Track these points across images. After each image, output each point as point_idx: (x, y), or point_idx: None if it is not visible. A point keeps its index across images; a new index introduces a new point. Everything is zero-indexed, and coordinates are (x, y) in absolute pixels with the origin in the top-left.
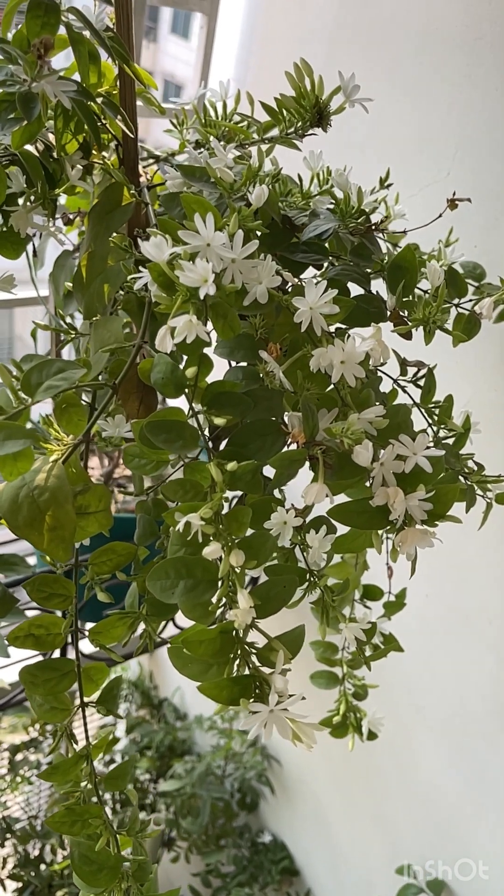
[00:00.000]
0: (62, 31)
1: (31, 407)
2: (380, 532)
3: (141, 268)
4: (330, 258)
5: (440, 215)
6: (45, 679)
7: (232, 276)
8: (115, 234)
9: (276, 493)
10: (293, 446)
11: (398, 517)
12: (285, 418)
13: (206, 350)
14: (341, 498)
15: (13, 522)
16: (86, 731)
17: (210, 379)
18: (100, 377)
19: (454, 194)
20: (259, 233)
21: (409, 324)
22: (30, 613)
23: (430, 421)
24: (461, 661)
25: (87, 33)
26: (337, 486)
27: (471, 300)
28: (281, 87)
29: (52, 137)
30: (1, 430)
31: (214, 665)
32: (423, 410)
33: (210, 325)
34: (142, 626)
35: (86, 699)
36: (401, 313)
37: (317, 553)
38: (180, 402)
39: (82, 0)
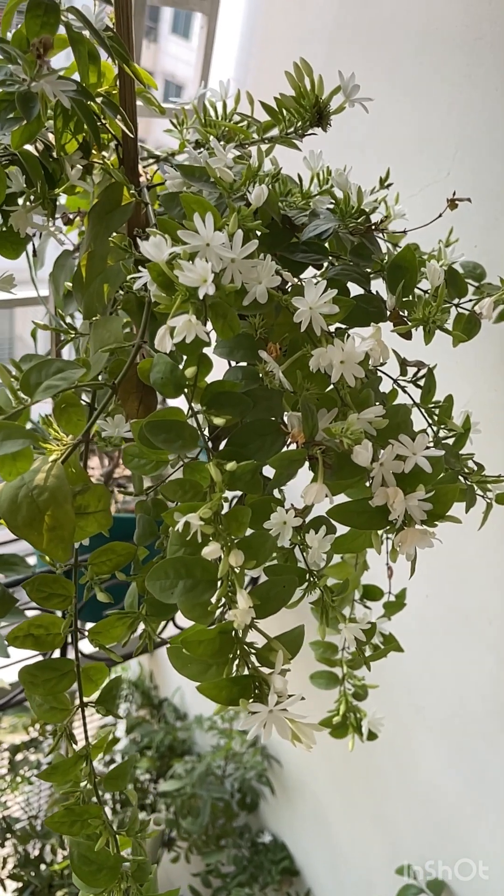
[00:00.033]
0: (62, 30)
1: (32, 407)
2: (379, 532)
3: (140, 267)
4: (330, 258)
5: (440, 215)
6: (45, 679)
7: (231, 276)
8: (114, 234)
9: (276, 493)
10: (293, 446)
11: (398, 517)
12: (285, 418)
13: (205, 350)
14: (341, 498)
15: (12, 522)
16: (85, 731)
17: (210, 379)
18: (99, 377)
19: (454, 194)
20: (259, 232)
21: (409, 324)
22: (30, 613)
23: (430, 421)
24: (461, 661)
25: (86, 33)
26: (336, 487)
27: (471, 300)
28: (281, 87)
29: (51, 137)
30: (0, 429)
31: (214, 665)
32: (423, 410)
33: (209, 325)
34: (141, 627)
35: (85, 699)
36: (400, 313)
37: (316, 553)
38: (180, 402)
39: (82, 0)
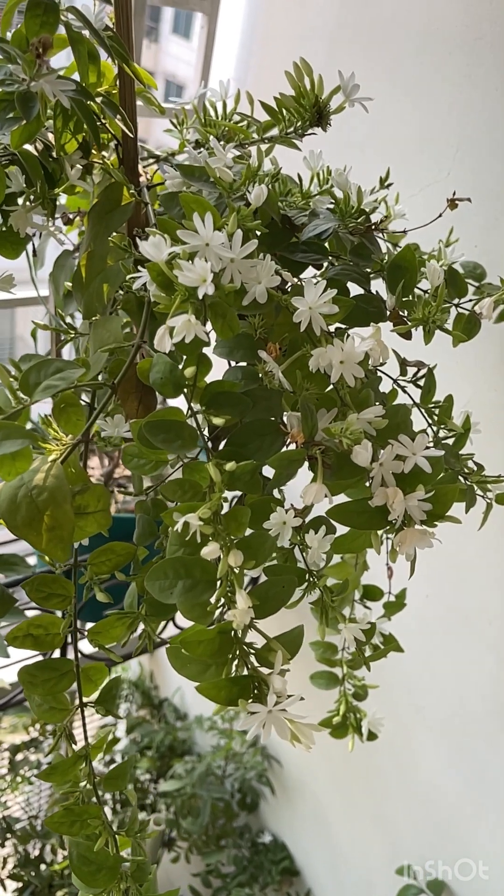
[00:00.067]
0: (62, 30)
1: (32, 407)
2: (379, 532)
3: (140, 267)
4: (329, 258)
5: (440, 215)
6: (44, 679)
7: (231, 276)
8: (114, 234)
9: (276, 493)
10: (292, 446)
11: (397, 517)
12: (284, 418)
13: (205, 350)
14: (341, 498)
15: (11, 522)
16: (84, 731)
17: (209, 379)
18: (99, 377)
19: (454, 194)
20: (258, 232)
21: (409, 324)
22: (29, 613)
23: (430, 421)
24: (461, 661)
25: (86, 33)
26: (336, 487)
27: (471, 300)
28: (282, 86)
29: (51, 137)
30: None
31: (213, 665)
32: (422, 410)
33: (209, 325)
34: (141, 627)
35: (85, 699)
36: (400, 313)
37: (316, 553)
38: (179, 402)
39: (82, 0)
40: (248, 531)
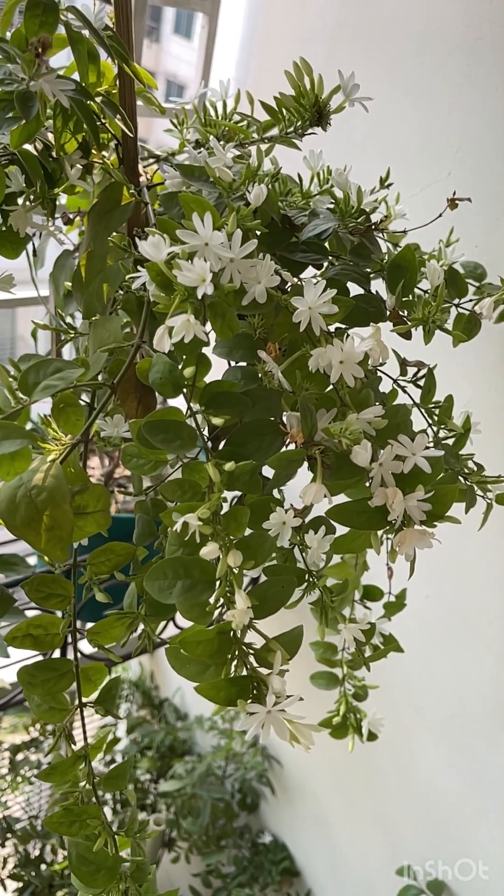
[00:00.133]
0: (61, 30)
1: (32, 407)
2: (379, 533)
3: (139, 267)
4: (329, 258)
5: (440, 215)
6: (44, 679)
7: (230, 276)
8: (114, 234)
9: (275, 493)
10: (291, 446)
11: (397, 518)
12: (284, 418)
13: (204, 350)
14: (341, 498)
15: (11, 522)
16: (84, 731)
17: (208, 379)
18: (99, 377)
19: (454, 194)
20: (258, 232)
21: (409, 324)
22: (30, 613)
23: (430, 421)
24: (461, 661)
25: (86, 32)
26: (336, 487)
27: (471, 300)
28: (282, 86)
29: (51, 137)
30: None
31: (212, 665)
32: (423, 411)
33: (208, 325)
34: (141, 627)
35: (84, 699)
36: (400, 313)
37: (315, 553)
38: (179, 402)
39: (82, 0)
40: (248, 531)
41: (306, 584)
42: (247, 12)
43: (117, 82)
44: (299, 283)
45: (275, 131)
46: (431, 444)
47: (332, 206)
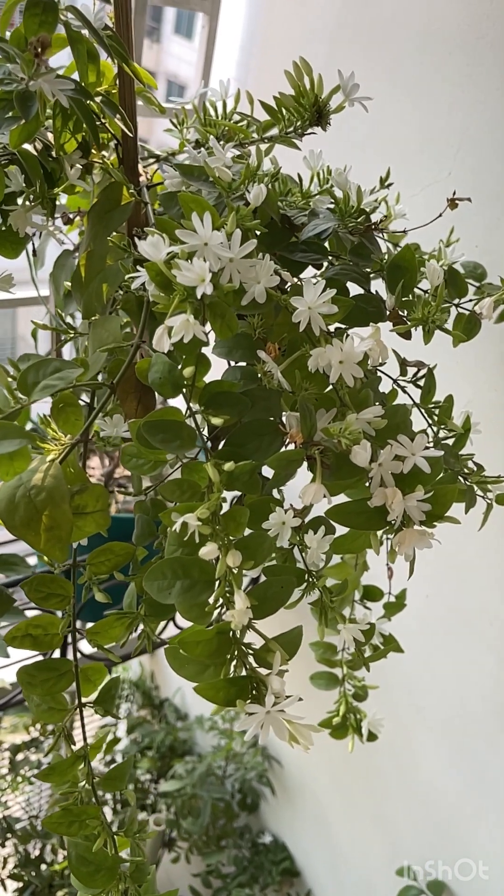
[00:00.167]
0: (61, 29)
1: (33, 407)
2: (379, 533)
3: (139, 267)
4: (329, 258)
5: (440, 215)
6: (43, 679)
7: (230, 276)
8: (114, 234)
9: (275, 493)
10: (291, 446)
11: (396, 518)
12: (283, 418)
13: (204, 349)
14: (341, 498)
15: (10, 522)
16: (83, 731)
17: (208, 379)
18: (98, 377)
19: (454, 194)
20: (258, 232)
21: (409, 323)
22: (30, 613)
23: (430, 421)
24: (461, 661)
25: (85, 32)
26: (336, 487)
27: (472, 300)
28: (283, 86)
29: (51, 136)
30: None
31: (211, 666)
32: (422, 411)
33: (208, 325)
34: (141, 627)
35: (83, 699)
36: (400, 313)
37: (315, 554)
38: (178, 402)
39: (82, 0)
40: (248, 531)
41: (306, 585)
42: (247, 12)
43: (117, 82)
44: (299, 282)
45: (275, 131)
46: (431, 445)
47: (331, 205)
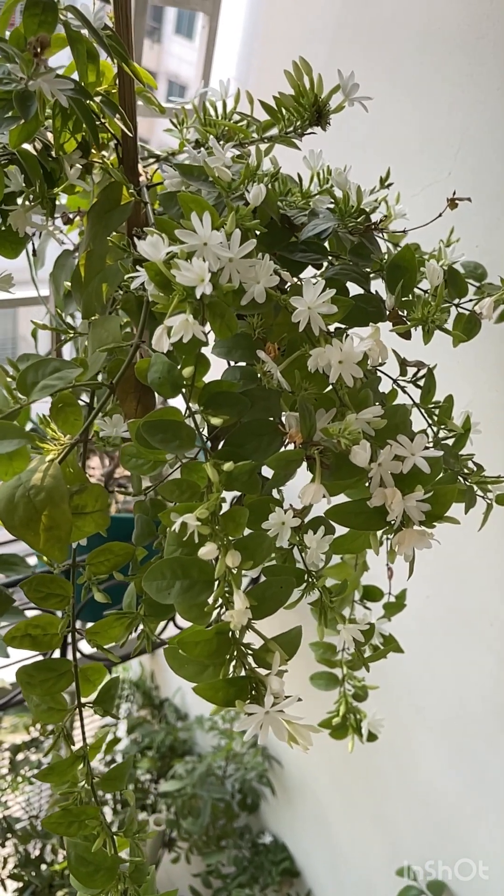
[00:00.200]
0: (61, 29)
1: (32, 407)
2: (378, 533)
3: (139, 267)
4: (329, 258)
5: (440, 215)
6: (42, 679)
7: (229, 276)
8: (113, 234)
9: (275, 493)
10: (290, 446)
11: (395, 518)
12: (283, 418)
13: (203, 349)
14: (341, 498)
15: (9, 522)
16: (83, 731)
17: (207, 378)
18: (98, 377)
19: (454, 194)
20: (257, 232)
21: (408, 323)
22: (30, 614)
23: (430, 421)
24: (461, 662)
25: (85, 32)
26: (335, 487)
27: (472, 300)
28: (283, 86)
29: (50, 136)
30: None
31: (210, 666)
32: (422, 411)
33: (208, 325)
34: (141, 627)
35: (83, 700)
36: (400, 313)
37: (315, 554)
38: (178, 402)
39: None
40: (247, 531)
41: (305, 585)
42: (248, 12)
43: (117, 82)
44: (298, 282)
45: (274, 131)
46: (431, 445)
47: (331, 205)
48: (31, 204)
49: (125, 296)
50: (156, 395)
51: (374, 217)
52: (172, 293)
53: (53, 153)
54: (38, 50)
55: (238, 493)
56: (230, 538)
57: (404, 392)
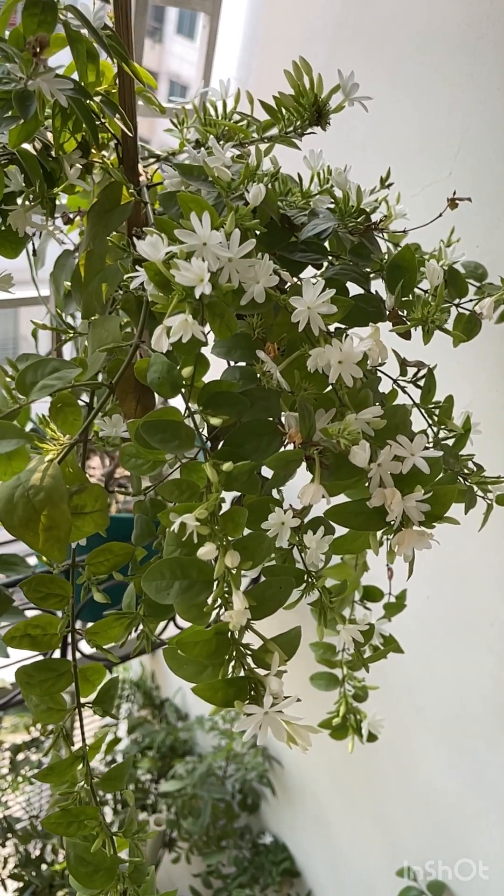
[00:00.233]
0: (60, 29)
1: (32, 407)
2: (378, 533)
3: (138, 267)
4: (329, 258)
5: (440, 215)
6: (42, 679)
7: (229, 276)
8: (113, 234)
9: (275, 493)
10: (290, 447)
11: (395, 518)
12: (282, 418)
13: (203, 349)
14: (341, 499)
15: (8, 522)
16: (82, 731)
17: (207, 378)
18: (99, 377)
19: (454, 194)
20: (257, 232)
21: (408, 323)
22: (31, 614)
23: (430, 421)
24: (461, 662)
25: (84, 32)
26: (335, 487)
27: (472, 300)
28: (284, 86)
29: (50, 136)
30: None
31: (209, 666)
32: (422, 411)
33: (207, 325)
34: (140, 627)
35: (82, 700)
36: (400, 313)
37: (314, 554)
38: (177, 402)
39: None
40: (247, 531)
41: (305, 585)
42: (248, 12)
43: (117, 81)
44: (298, 282)
45: (274, 131)
46: (431, 445)
47: (331, 205)
48: (31, 204)
49: (125, 296)
50: (155, 395)
51: (375, 217)
52: (172, 293)
53: (53, 153)
54: (38, 49)
55: (238, 494)
56: (229, 538)
57: (404, 392)
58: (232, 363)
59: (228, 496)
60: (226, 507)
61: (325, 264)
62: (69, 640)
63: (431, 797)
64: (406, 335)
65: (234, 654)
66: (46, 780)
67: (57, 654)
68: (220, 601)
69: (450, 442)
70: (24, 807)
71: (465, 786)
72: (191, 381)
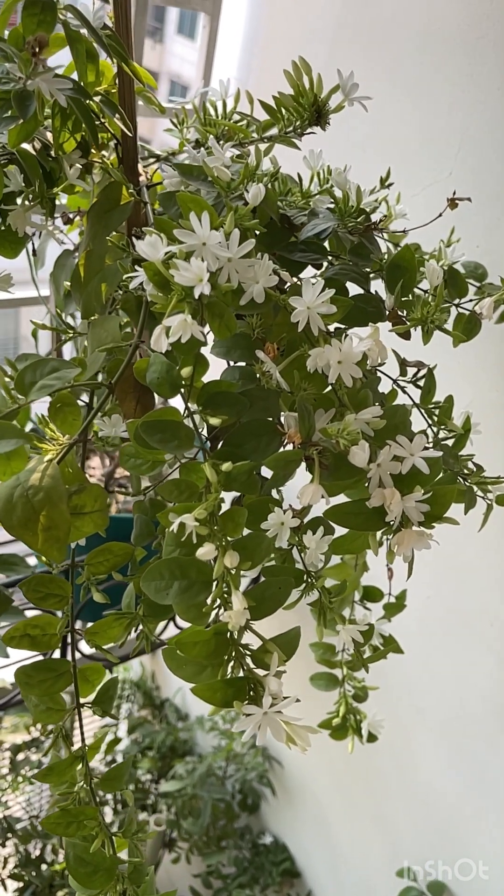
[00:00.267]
0: (60, 29)
1: (32, 407)
2: (378, 533)
3: (138, 267)
4: (328, 258)
5: (440, 215)
6: (41, 680)
7: (228, 276)
8: (113, 234)
9: (274, 493)
10: (289, 447)
11: (395, 519)
12: (282, 419)
13: (202, 349)
14: (341, 499)
15: (7, 522)
16: (81, 731)
17: (206, 379)
18: (98, 377)
19: (454, 194)
20: (256, 231)
21: (408, 323)
22: (30, 614)
23: (430, 422)
24: (461, 662)
25: (84, 31)
26: (335, 487)
27: (472, 300)
28: (284, 86)
29: (50, 136)
30: None
31: (209, 667)
32: (422, 411)
33: (207, 325)
34: (140, 627)
35: (82, 700)
36: (399, 313)
37: (314, 554)
38: (177, 402)
39: None
40: (246, 532)
41: (304, 585)
42: (248, 12)
43: (117, 81)
44: (298, 282)
45: (274, 131)
46: (430, 445)
47: (331, 205)
48: (31, 204)
49: (124, 296)
50: (155, 395)
51: (374, 217)
52: (171, 293)
53: (53, 153)
54: (37, 49)
55: (237, 494)
56: (229, 538)
57: (404, 392)
58: (231, 363)
59: (228, 496)
60: (225, 507)
61: (325, 264)
62: (69, 640)
63: (431, 797)
64: (406, 335)
65: (234, 654)
66: (46, 780)
67: (56, 654)
68: (219, 601)
69: (450, 442)
70: (24, 807)
71: (465, 786)
72: (190, 381)
